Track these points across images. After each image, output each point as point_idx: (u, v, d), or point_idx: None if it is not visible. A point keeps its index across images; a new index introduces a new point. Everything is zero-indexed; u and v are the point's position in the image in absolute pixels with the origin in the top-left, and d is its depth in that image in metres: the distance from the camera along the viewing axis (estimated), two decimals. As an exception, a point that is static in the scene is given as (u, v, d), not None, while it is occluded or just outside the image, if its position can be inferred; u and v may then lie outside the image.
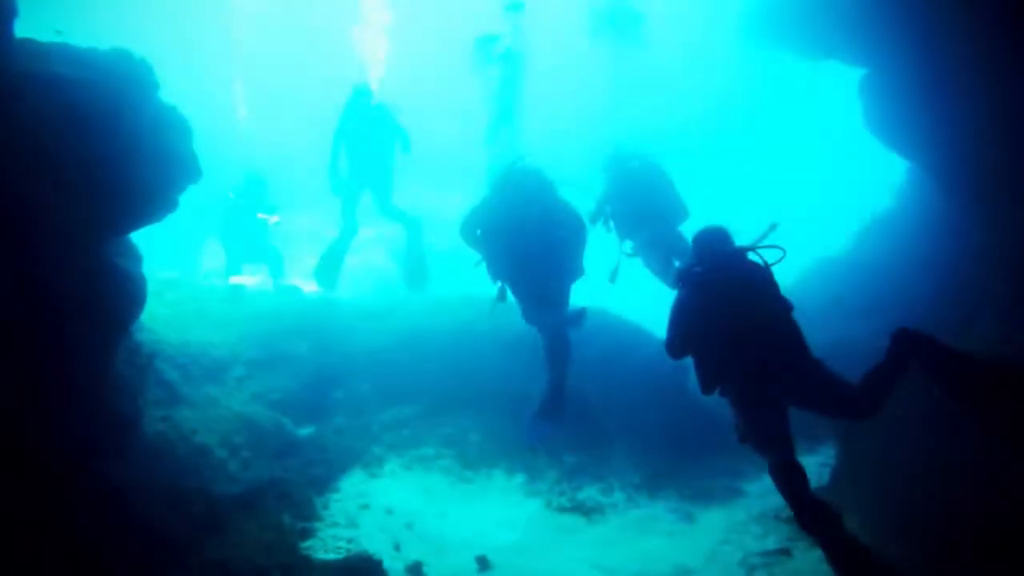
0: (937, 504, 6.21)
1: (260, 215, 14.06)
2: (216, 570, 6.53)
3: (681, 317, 6.27)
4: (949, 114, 8.89)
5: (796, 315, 6.45)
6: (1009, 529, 5.40)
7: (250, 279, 14.52)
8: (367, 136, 12.66)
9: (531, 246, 8.90)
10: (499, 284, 9.26)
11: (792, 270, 16.04)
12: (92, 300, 5.76)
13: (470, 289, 12.14)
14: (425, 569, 7.50)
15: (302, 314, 11.99)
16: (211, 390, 9.56)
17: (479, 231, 9.30)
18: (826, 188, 21.10)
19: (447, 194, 21.55)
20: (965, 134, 8.59)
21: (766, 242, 6.49)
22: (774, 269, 6.45)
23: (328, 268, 13.68)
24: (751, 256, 6.34)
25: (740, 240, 6.79)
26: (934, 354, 5.79)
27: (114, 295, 6.17)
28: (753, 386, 6.03)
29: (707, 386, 6.22)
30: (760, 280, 6.19)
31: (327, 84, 15.23)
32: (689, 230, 10.33)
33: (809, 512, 5.70)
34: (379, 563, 7.13)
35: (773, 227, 6.64)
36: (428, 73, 23.48)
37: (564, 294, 9.22)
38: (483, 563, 7.67)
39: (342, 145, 12.72)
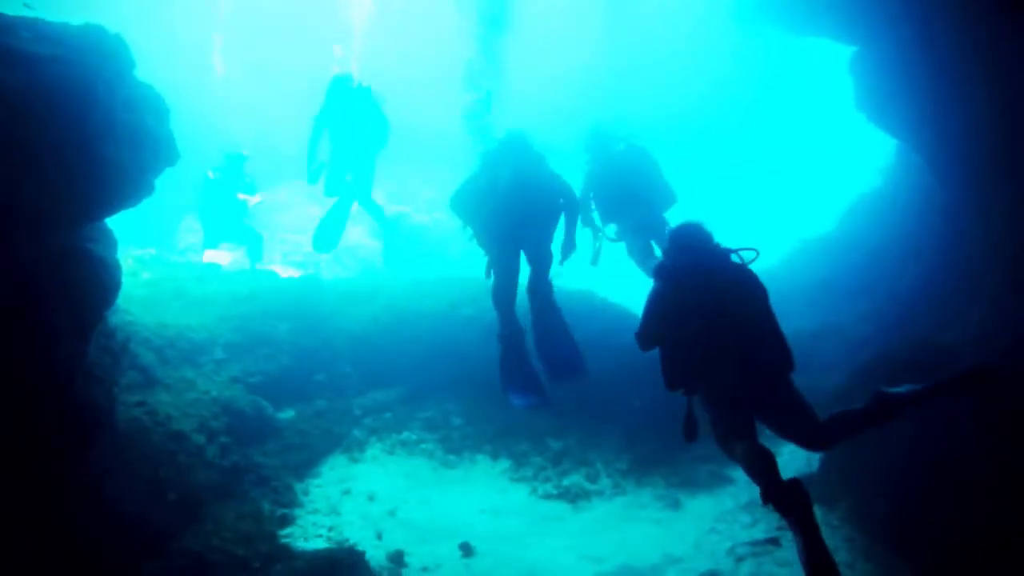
0: (927, 501, 6.16)
1: (241, 196, 13.81)
2: (193, 561, 6.37)
3: (655, 310, 6.10)
4: (941, 92, 8.76)
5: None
6: (1005, 530, 5.33)
7: (225, 256, 14.28)
8: (349, 125, 12.28)
9: (522, 218, 8.82)
10: (488, 259, 9.13)
11: (778, 251, 16.03)
12: (64, 288, 5.53)
13: (453, 270, 11.97)
14: (408, 558, 7.39)
15: (282, 295, 11.73)
16: (188, 373, 9.33)
17: (470, 204, 9.17)
18: (814, 168, 20.99)
19: (431, 170, 21.42)
20: (957, 113, 8.47)
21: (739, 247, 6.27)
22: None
23: (327, 231, 13.34)
24: (733, 257, 6.10)
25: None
26: (913, 407, 5.57)
27: (87, 283, 5.92)
28: (726, 388, 5.83)
29: (673, 383, 6.03)
30: (746, 283, 5.98)
31: (311, 53, 14.92)
32: (676, 216, 10.26)
33: (778, 488, 5.34)
34: (361, 554, 6.98)
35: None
36: (412, 45, 23.21)
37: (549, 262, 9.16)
38: (467, 550, 7.56)
39: (321, 135, 12.35)
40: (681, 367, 5.96)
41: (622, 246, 11.59)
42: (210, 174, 13.86)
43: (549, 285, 9.09)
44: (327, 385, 10.51)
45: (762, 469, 5.44)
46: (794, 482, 5.21)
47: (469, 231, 9.28)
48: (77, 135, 5.54)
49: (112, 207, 6.23)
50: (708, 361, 5.82)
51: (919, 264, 11.07)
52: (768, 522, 7.78)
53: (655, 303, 6.09)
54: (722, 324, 5.76)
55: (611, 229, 11.44)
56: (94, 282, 6.03)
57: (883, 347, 7.90)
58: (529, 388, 8.90)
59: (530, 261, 9.08)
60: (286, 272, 14.28)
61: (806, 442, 5.83)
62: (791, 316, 12.48)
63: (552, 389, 9.18)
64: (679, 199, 11.32)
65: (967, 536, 5.57)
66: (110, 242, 6.76)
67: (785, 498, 5.23)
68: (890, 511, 6.50)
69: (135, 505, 6.69)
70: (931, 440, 6.31)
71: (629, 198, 11.01)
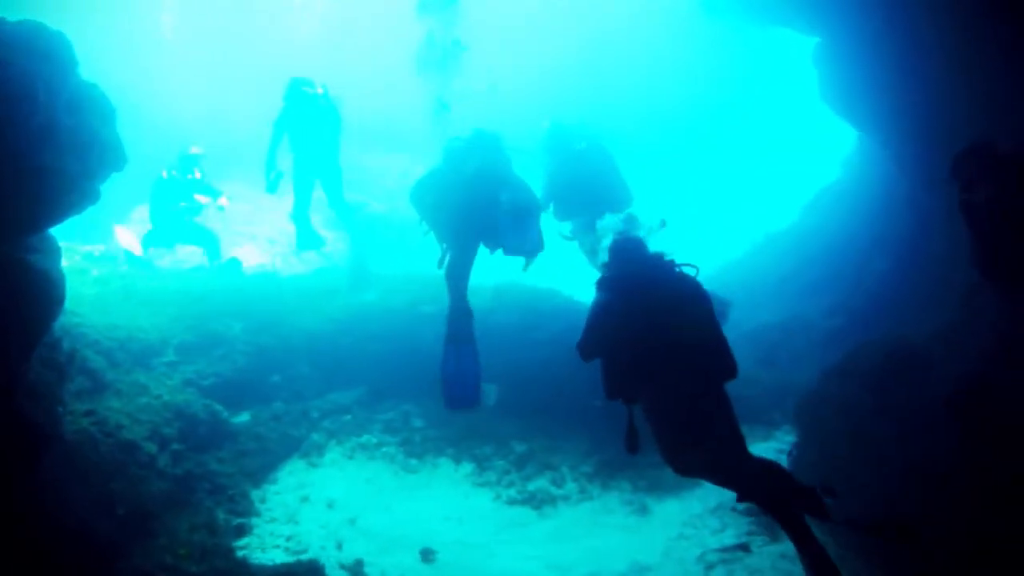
0: (903, 501, 6.08)
1: (202, 198, 13.37)
2: (143, 582, 6.08)
3: (599, 321, 5.99)
4: (907, 84, 8.71)
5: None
6: (988, 536, 5.25)
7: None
8: (311, 128, 11.87)
9: (481, 220, 8.57)
10: (444, 248, 8.87)
11: (744, 244, 16.00)
12: (1, 304, 5.19)
13: (413, 267, 11.72)
14: (368, 569, 7.21)
15: (236, 294, 11.41)
16: (139, 377, 8.98)
17: (429, 197, 8.97)
18: (778, 160, 20.99)
19: (391, 157, 21.10)
20: (922, 104, 8.41)
21: (655, 237, 6.27)
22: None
23: (305, 231, 12.86)
24: (681, 269, 6.09)
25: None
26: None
27: (28, 297, 5.53)
28: (669, 398, 5.76)
29: (612, 392, 5.93)
30: (691, 293, 5.92)
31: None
32: (644, 213, 10.12)
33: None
34: (321, 568, 6.74)
35: (663, 224, 6.36)
36: (370, 30, 22.84)
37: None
38: (429, 558, 7.42)
39: (280, 141, 11.86)
40: (622, 377, 5.87)
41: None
42: (163, 174, 13.38)
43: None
44: (284, 386, 10.21)
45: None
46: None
47: (424, 226, 9.06)
48: (15, 142, 5.18)
49: (55, 217, 5.85)
50: (651, 370, 5.74)
51: (885, 257, 11.06)
52: (737, 527, 7.72)
53: (599, 314, 6.00)
54: (668, 333, 5.69)
55: (566, 227, 11.27)
56: (36, 296, 5.65)
57: (855, 348, 7.78)
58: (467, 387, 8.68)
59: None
60: (253, 260, 13.89)
61: (724, 482, 5.93)
62: (758, 308, 12.59)
63: (514, 391, 8.99)
64: (638, 197, 11.18)
65: (947, 539, 5.49)
66: (53, 251, 6.33)
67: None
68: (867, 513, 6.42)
69: (81, 521, 6.37)
70: (911, 444, 6.24)
71: (586, 197, 10.83)
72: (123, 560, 6.35)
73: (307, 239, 12.86)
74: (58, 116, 5.61)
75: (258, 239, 17.41)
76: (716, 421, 5.74)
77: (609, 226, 10.40)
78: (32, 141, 5.29)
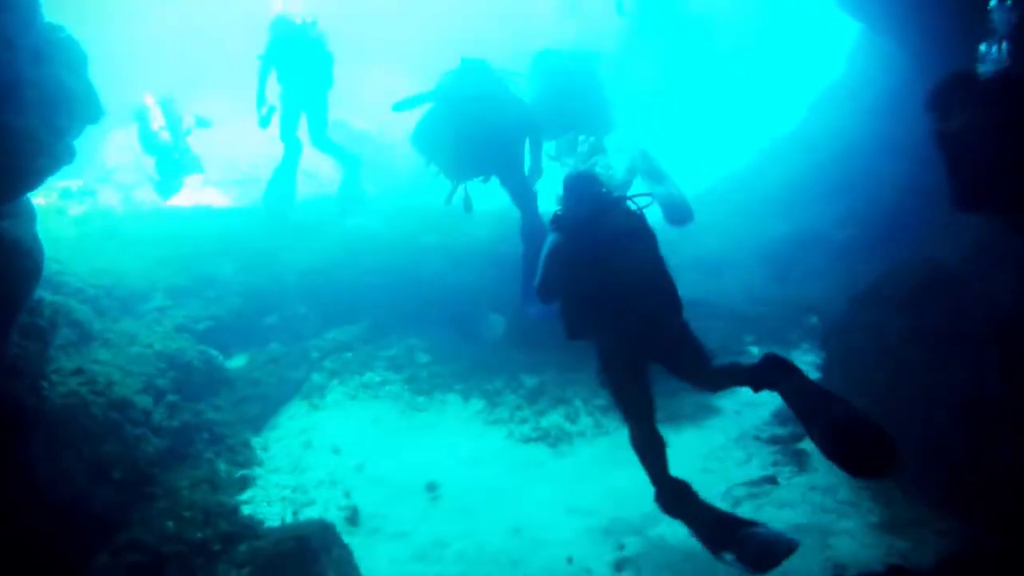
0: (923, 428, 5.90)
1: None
2: (143, 556, 5.74)
3: (553, 260, 5.96)
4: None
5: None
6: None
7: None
8: (297, 64, 11.50)
9: (487, 145, 8.58)
10: (453, 186, 8.89)
11: (747, 152, 15.43)
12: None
13: (411, 199, 11.27)
14: (380, 521, 6.95)
15: (225, 232, 10.94)
16: (128, 325, 8.59)
17: (432, 138, 8.80)
18: (774, 58, 20.22)
19: (367, 68, 20.34)
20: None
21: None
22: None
23: (278, 193, 12.50)
24: (629, 204, 6.08)
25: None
26: (795, 391, 5.20)
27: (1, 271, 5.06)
28: (618, 339, 5.87)
29: (573, 334, 6.03)
30: (638, 231, 5.92)
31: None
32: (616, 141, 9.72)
33: (667, 492, 5.78)
34: (331, 526, 6.40)
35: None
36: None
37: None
38: (440, 503, 7.22)
39: (268, 75, 11.52)
40: (578, 317, 5.94)
41: None
42: (164, 134, 13.20)
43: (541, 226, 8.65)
44: (280, 327, 9.84)
45: (651, 467, 5.85)
46: (682, 484, 5.71)
47: (434, 167, 8.88)
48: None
49: (24, 185, 5.30)
50: (601, 310, 5.80)
51: (896, 160, 10.55)
52: (762, 457, 7.48)
53: (552, 254, 5.99)
54: (613, 273, 5.73)
55: (551, 147, 10.86)
56: (10, 269, 5.15)
57: (885, 271, 7.40)
58: None
59: (509, 194, 8.90)
60: (222, 199, 13.43)
61: (696, 384, 6.10)
62: (768, 218, 12.13)
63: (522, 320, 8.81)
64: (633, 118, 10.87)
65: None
66: (27, 216, 5.79)
67: (673, 504, 5.71)
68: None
69: (77, 492, 6.04)
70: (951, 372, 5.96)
71: (564, 118, 10.43)
72: (123, 530, 6.03)
73: (275, 195, 12.52)
74: (21, 68, 5.02)
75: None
76: (664, 353, 5.86)
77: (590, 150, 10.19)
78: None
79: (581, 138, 10.47)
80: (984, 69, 5.38)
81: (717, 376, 5.74)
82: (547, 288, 5.98)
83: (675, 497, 5.72)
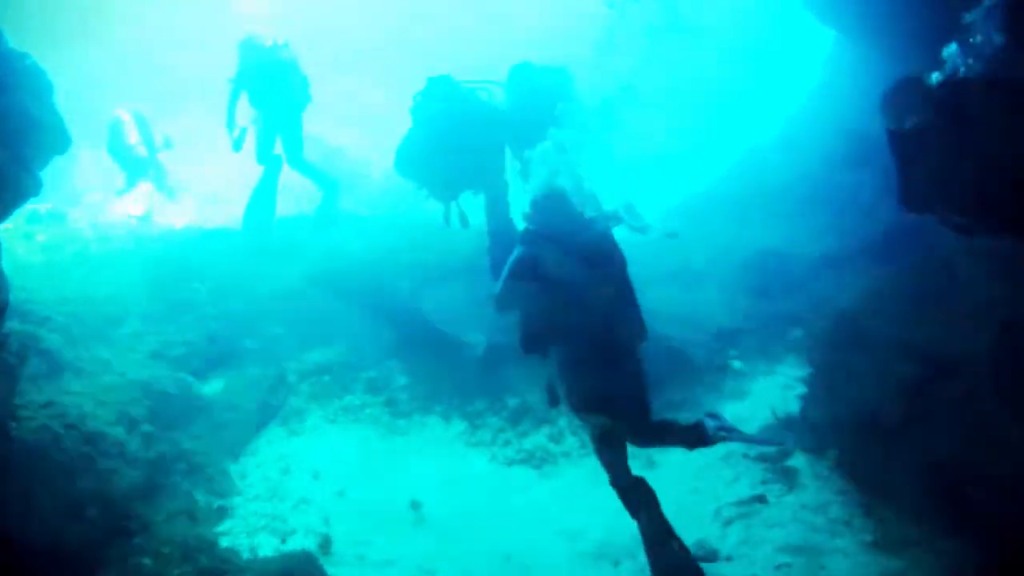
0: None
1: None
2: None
3: (516, 273, 5.90)
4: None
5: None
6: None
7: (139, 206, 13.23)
8: (268, 86, 11.42)
9: (463, 155, 8.71)
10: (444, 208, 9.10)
11: (727, 159, 15.42)
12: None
13: (389, 215, 11.15)
14: (364, 549, 6.78)
15: (198, 254, 10.75)
16: (101, 352, 8.38)
17: (415, 162, 8.96)
18: (758, 74, 20.26)
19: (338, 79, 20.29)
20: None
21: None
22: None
23: (258, 211, 12.34)
24: (599, 224, 6.10)
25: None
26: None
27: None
28: (578, 355, 5.80)
29: (528, 347, 5.96)
30: (607, 251, 5.93)
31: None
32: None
33: (630, 491, 5.87)
34: (314, 559, 6.26)
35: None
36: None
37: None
38: (426, 529, 7.06)
39: (238, 98, 11.48)
40: (535, 332, 5.89)
41: None
42: (140, 149, 13.39)
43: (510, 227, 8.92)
44: (257, 350, 9.65)
45: (613, 465, 5.90)
46: (643, 483, 5.82)
47: (423, 191, 9.06)
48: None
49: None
50: (564, 327, 5.77)
51: (874, 169, 10.56)
52: (751, 475, 7.41)
53: (516, 268, 5.91)
54: (579, 292, 5.71)
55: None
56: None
57: (874, 282, 7.39)
58: None
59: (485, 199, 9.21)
60: (196, 220, 13.29)
61: (631, 432, 5.98)
62: (748, 229, 12.09)
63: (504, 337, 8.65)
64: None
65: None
66: None
67: (635, 504, 5.84)
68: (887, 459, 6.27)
69: (51, 529, 5.85)
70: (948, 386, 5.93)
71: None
72: (100, 570, 5.85)
73: (255, 216, 12.36)
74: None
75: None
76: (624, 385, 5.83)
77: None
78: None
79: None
80: (938, 72, 5.41)
81: (652, 429, 5.97)
82: (503, 302, 5.99)
83: (638, 496, 5.87)
